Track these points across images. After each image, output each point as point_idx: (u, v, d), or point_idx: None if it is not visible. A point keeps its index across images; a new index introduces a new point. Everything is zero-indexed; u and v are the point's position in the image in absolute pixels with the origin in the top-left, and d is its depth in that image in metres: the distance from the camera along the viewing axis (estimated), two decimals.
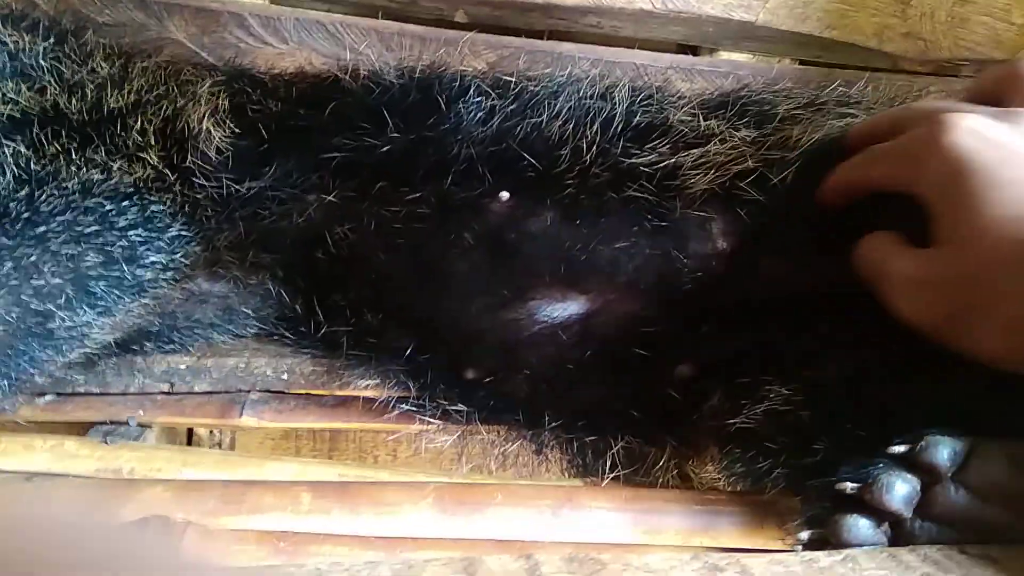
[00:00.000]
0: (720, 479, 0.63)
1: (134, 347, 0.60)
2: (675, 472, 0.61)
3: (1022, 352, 0.39)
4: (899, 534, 0.42)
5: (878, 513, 0.42)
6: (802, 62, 0.90)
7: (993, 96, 0.47)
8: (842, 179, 0.52)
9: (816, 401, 0.53)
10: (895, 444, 0.44)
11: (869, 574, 0.38)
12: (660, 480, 0.60)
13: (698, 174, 0.58)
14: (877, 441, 0.46)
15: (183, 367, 0.62)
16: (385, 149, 0.59)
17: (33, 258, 0.50)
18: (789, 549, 0.47)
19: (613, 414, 0.59)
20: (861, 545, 0.41)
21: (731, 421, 0.55)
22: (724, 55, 0.88)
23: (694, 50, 0.88)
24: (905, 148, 0.46)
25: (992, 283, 0.39)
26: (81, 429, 0.60)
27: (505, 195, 0.58)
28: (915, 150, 0.45)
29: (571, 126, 0.59)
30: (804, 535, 0.45)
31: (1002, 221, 0.39)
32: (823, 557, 0.40)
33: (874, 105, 0.64)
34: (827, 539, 0.43)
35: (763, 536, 0.53)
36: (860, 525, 0.42)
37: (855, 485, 0.43)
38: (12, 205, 0.51)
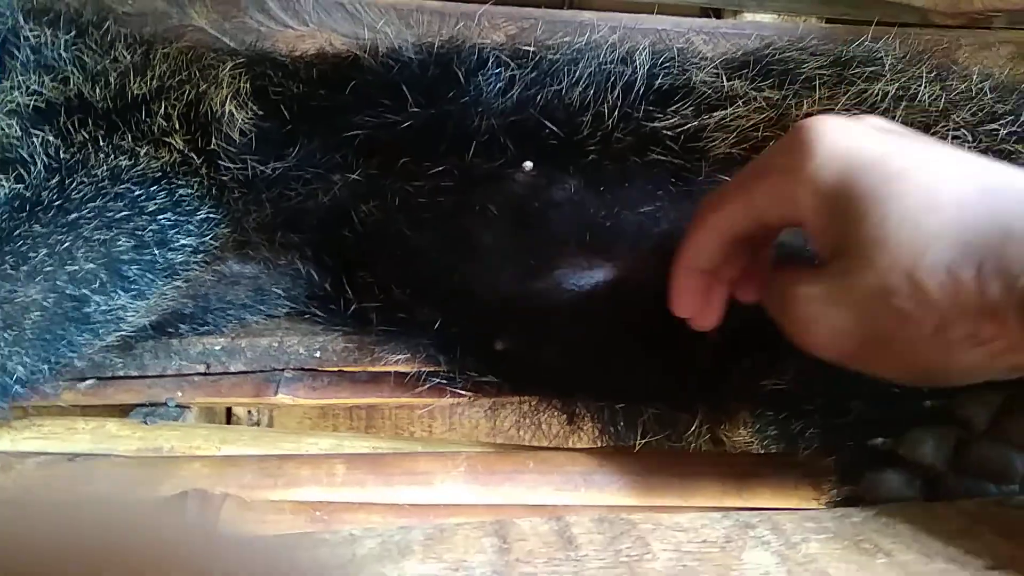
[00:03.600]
0: (753, 443, 0.63)
1: (170, 330, 0.62)
2: (707, 437, 0.61)
3: (951, 366, 0.35)
4: (935, 489, 0.41)
5: (912, 467, 0.41)
6: (828, 20, 0.88)
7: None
8: (688, 254, 0.45)
9: None
10: (929, 399, 0.43)
11: (903, 528, 0.37)
12: (692, 445, 0.60)
13: (722, 136, 0.57)
14: (911, 397, 0.45)
15: (218, 348, 0.63)
16: (406, 125, 0.59)
17: (66, 244, 0.51)
18: (823, 508, 0.46)
19: (643, 381, 0.59)
20: (896, 500, 0.41)
21: (763, 383, 0.55)
22: (748, 16, 0.87)
23: (717, 13, 0.87)
24: (764, 169, 0.41)
25: (910, 290, 0.34)
26: (122, 411, 0.62)
27: (528, 165, 0.58)
28: (776, 169, 0.40)
29: (592, 92, 0.58)
30: (838, 492, 0.44)
31: (902, 222, 0.35)
32: (856, 513, 0.39)
33: (901, 60, 0.63)
34: (861, 496, 0.43)
35: (797, 497, 0.53)
36: (894, 480, 0.41)
37: (888, 440, 0.42)
38: (44, 194, 0.52)
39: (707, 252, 0.44)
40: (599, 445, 0.61)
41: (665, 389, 0.59)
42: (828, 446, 0.51)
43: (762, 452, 0.60)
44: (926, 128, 0.56)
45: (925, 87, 0.57)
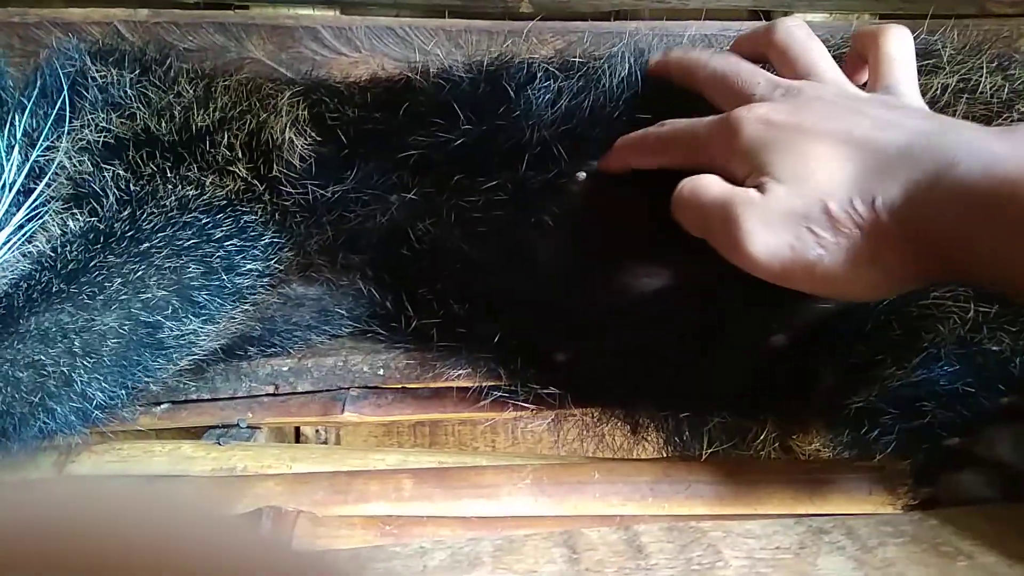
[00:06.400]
0: (825, 450, 0.62)
1: (239, 353, 0.63)
2: (776, 445, 0.60)
3: (861, 282, 0.42)
4: (1015, 488, 0.40)
5: (990, 467, 0.40)
6: (882, 16, 0.87)
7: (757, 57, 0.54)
8: (630, 157, 0.55)
9: (929, 367, 0.51)
10: (1006, 396, 0.42)
11: (984, 529, 0.36)
12: (761, 453, 0.59)
13: None
14: (987, 395, 0.44)
15: (286, 369, 0.64)
16: (459, 142, 0.59)
17: (139, 273, 0.53)
18: (900, 512, 0.45)
19: (708, 389, 0.59)
20: (974, 501, 0.40)
21: (846, 403, 0.53)
22: (799, 16, 0.85)
23: (766, 15, 0.86)
24: (702, 142, 0.50)
25: (825, 219, 0.42)
26: (196, 434, 0.64)
27: (582, 174, 0.59)
28: (713, 145, 0.49)
29: (642, 99, 0.58)
30: (914, 496, 0.43)
31: (818, 168, 0.43)
32: (934, 515, 0.38)
33: (960, 51, 0.61)
34: (939, 498, 0.42)
35: (872, 502, 0.52)
36: (972, 480, 0.40)
37: (964, 440, 0.41)
38: (117, 225, 0.54)
39: (635, 162, 0.55)
40: (664, 455, 0.61)
41: (732, 398, 0.58)
42: (903, 449, 0.50)
43: (834, 457, 0.58)
44: (988, 120, 0.54)
45: (986, 78, 0.56)
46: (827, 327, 0.56)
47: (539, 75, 0.61)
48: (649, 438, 0.62)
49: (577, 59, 0.62)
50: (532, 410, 0.61)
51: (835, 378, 0.55)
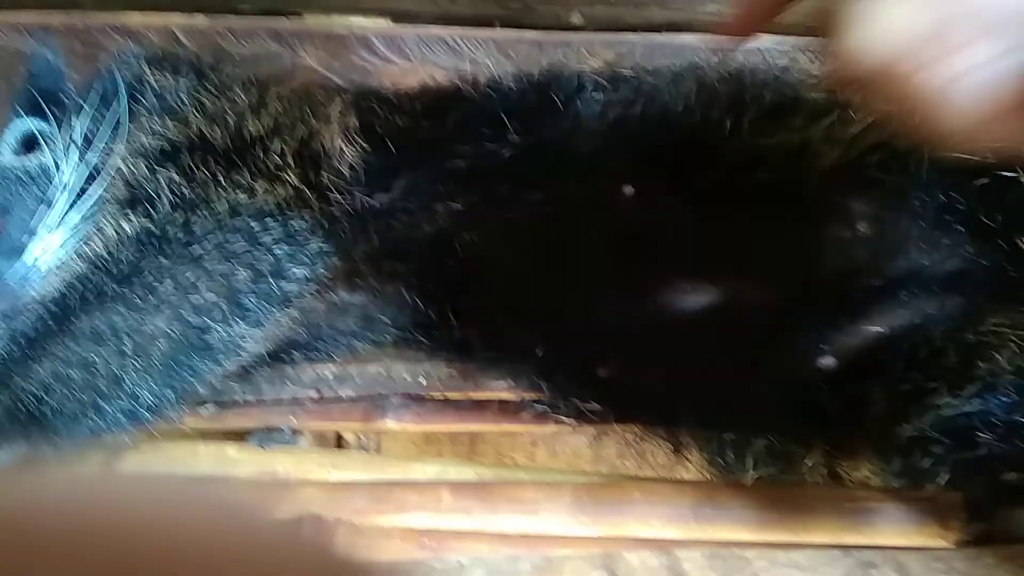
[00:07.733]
0: (874, 478, 0.60)
1: (284, 357, 0.64)
2: (823, 471, 0.59)
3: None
4: None
5: None
6: None
7: None
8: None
9: (985, 397, 0.49)
10: None
11: None
12: (807, 479, 0.57)
13: (828, 148, 0.55)
14: None
15: (329, 374, 0.65)
16: (507, 153, 0.59)
17: (190, 276, 0.54)
18: (952, 547, 0.44)
19: (753, 410, 0.58)
20: None
21: (897, 431, 0.52)
22: None
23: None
24: None
25: None
26: (240, 436, 0.64)
27: (629, 188, 0.58)
28: None
29: (695, 112, 0.58)
30: (968, 531, 0.42)
31: None
32: (989, 553, 0.37)
33: None
34: (994, 534, 0.40)
35: (922, 534, 0.50)
36: None
37: (1022, 475, 0.40)
38: (169, 229, 0.55)
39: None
40: (706, 477, 0.60)
41: (778, 420, 0.57)
42: (956, 481, 0.48)
43: (883, 486, 0.57)
44: None
45: None
46: (879, 351, 0.54)
47: (589, 86, 0.60)
48: (691, 458, 0.61)
49: (629, 72, 0.61)
50: (573, 425, 0.60)
51: (886, 404, 0.53)
